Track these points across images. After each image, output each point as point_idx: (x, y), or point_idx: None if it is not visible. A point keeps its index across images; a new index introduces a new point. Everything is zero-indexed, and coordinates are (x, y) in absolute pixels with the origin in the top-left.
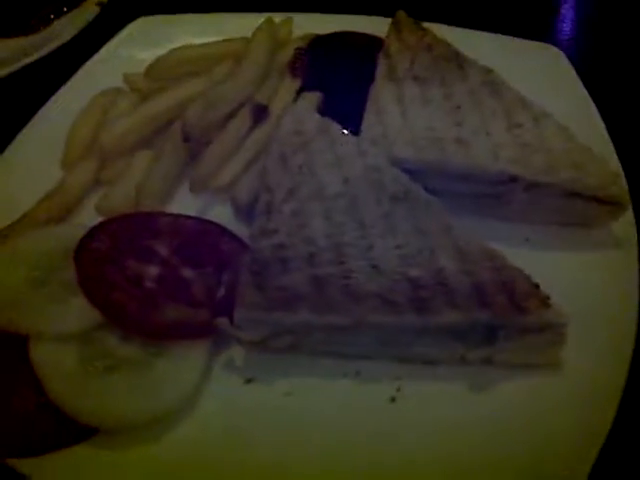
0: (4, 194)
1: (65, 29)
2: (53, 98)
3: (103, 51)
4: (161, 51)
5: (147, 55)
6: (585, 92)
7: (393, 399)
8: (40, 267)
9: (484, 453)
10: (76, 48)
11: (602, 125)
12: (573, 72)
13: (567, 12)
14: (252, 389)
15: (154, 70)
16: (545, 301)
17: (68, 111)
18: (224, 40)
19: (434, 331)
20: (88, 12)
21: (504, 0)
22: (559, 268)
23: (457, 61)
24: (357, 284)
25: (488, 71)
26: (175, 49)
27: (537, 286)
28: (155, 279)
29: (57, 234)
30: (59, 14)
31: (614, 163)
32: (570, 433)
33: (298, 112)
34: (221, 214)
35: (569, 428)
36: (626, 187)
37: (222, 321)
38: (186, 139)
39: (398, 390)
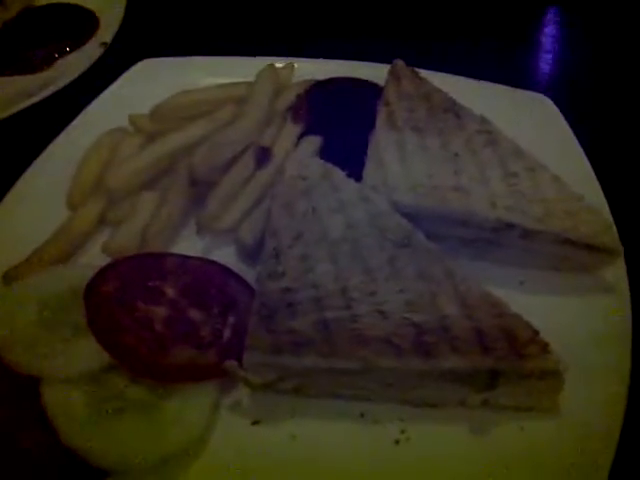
0: (11, 234)
1: (69, 69)
2: (58, 138)
3: (108, 92)
4: (165, 93)
5: (151, 96)
6: (575, 141)
7: (397, 441)
8: (49, 307)
9: None
10: (80, 88)
11: (592, 173)
12: (563, 121)
13: (559, 63)
14: (259, 431)
15: (159, 112)
16: (545, 348)
17: (73, 151)
18: (227, 84)
19: (437, 375)
20: (92, 52)
21: (498, 50)
22: (553, 312)
23: (454, 110)
24: (363, 328)
25: (483, 120)
26: (179, 92)
27: (537, 333)
28: (163, 321)
29: (65, 274)
30: (62, 54)
31: (605, 212)
32: (567, 474)
33: (301, 157)
34: (225, 255)
35: (566, 471)
36: (617, 236)
37: (231, 364)
38: (193, 182)
39: (402, 432)
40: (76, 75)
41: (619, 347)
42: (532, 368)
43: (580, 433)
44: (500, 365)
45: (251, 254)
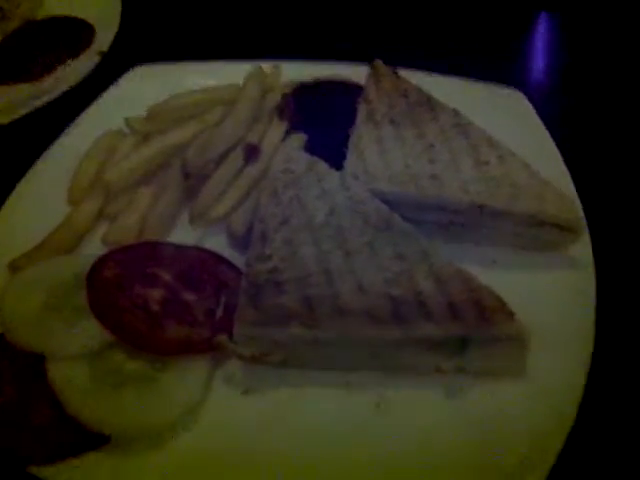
0: (16, 229)
1: (67, 77)
2: (58, 140)
3: (104, 96)
4: (158, 96)
5: (145, 100)
6: (544, 130)
7: (378, 405)
8: (54, 293)
9: (458, 451)
10: (78, 95)
11: (560, 159)
12: (533, 112)
13: (530, 57)
14: (249, 400)
15: (153, 114)
16: (511, 316)
17: (72, 151)
18: (217, 87)
19: (413, 343)
20: (89, 60)
21: (471, 47)
22: (524, 287)
23: (429, 105)
24: (344, 302)
25: (456, 113)
26: (173, 96)
27: (504, 303)
28: (159, 302)
29: (68, 263)
30: (61, 62)
31: (571, 194)
32: (534, 432)
33: (287, 152)
34: (216, 244)
35: (533, 428)
36: (582, 215)
37: (222, 338)
38: (186, 176)
39: (382, 397)
40: (75, 82)
41: (584, 317)
42: (499, 333)
43: (546, 395)
44: (469, 331)
45: (241, 243)
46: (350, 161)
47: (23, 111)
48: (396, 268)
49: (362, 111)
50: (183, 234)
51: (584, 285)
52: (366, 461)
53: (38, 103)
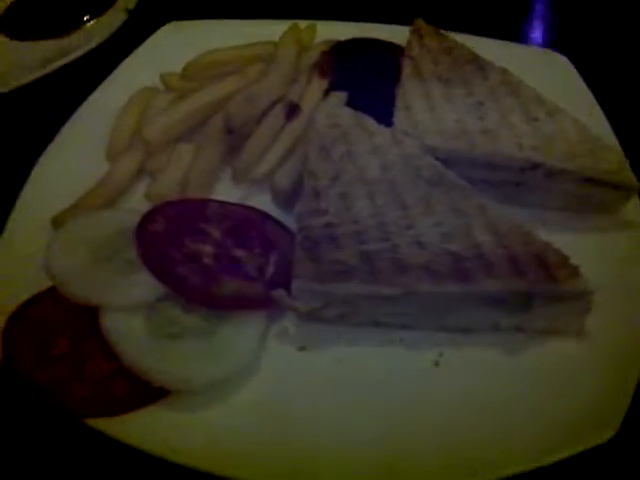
0: (52, 186)
1: (93, 34)
2: (92, 97)
3: (137, 52)
4: (191, 54)
5: (178, 58)
6: (590, 95)
7: (437, 363)
8: (100, 247)
9: (522, 409)
10: (104, 53)
11: (607, 124)
12: (578, 76)
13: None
14: (305, 356)
15: (189, 71)
16: (576, 271)
17: (106, 108)
18: (254, 43)
19: (473, 300)
20: (116, 18)
21: (512, 10)
22: (576, 247)
23: (476, 63)
24: (403, 257)
25: (504, 72)
26: (209, 51)
27: (567, 258)
28: (211, 257)
29: (112, 217)
30: (88, 19)
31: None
32: (596, 396)
33: (330, 108)
34: (261, 202)
35: (595, 391)
36: (632, 173)
37: (279, 292)
38: (229, 131)
39: (441, 355)
40: (101, 40)
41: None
42: (564, 290)
43: (608, 354)
44: (534, 288)
45: (286, 200)
46: (399, 117)
47: (45, 70)
48: (453, 222)
49: (407, 67)
50: (226, 191)
51: (637, 242)
52: (426, 418)
53: (65, 60)
